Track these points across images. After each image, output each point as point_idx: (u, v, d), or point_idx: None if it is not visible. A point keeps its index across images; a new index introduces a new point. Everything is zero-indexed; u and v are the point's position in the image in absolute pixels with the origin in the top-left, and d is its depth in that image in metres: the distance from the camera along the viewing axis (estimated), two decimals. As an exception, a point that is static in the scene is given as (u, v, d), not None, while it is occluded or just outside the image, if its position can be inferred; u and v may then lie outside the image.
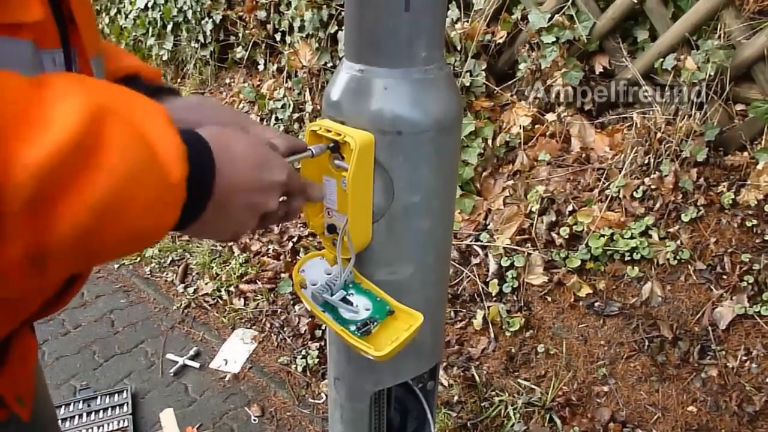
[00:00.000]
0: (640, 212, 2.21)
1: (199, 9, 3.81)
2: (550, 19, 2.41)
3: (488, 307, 2.25)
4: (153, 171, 0.43)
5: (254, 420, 2.17)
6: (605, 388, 2.00)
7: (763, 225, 2.05)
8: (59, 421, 2.14)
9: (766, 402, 1.84)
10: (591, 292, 2.16)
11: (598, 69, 2.45)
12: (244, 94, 3.59)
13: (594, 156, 2.43)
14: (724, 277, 2.04)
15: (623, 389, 1.99)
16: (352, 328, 0.73)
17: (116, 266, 3.13)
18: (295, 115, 3.28)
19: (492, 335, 2.20)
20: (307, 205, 0.77)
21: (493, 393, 2.07)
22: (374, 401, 0.94)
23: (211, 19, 3.77)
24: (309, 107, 3.20)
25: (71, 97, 0.39)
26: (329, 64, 3.12)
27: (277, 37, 3.41)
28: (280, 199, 0.63)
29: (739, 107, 2.20)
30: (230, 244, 2.95)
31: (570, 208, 2.31)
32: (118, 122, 0.41)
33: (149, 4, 4.13)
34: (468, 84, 2.61)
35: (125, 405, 2.22)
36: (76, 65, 0.59)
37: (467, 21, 2.63)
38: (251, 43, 3.61)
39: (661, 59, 2.24)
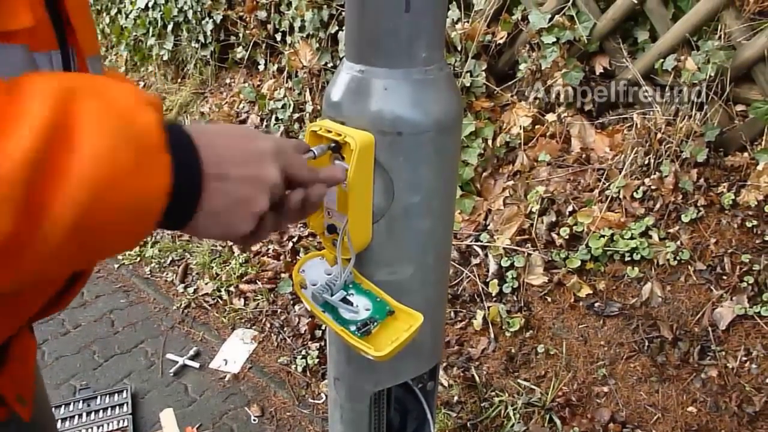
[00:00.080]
0: (640, 213, 2.21)
1: (199, 9, 3.81)
2: (551, 19, 2.41)
3: (488, 307, 2.25)
4: (132, 137, 0.43)
5: (254, 420, 2.17)
6: (605, 389, 2.00)
7: (763, 226, 2.05)
8: (59, 421, 2.14)
9: (765, 403, 1.84)
10: (591, 292, 2.17)
11: (599, 69, 2.45)
12: (245, 94, 3.59)
13: (594, 156, 2.43)
14: (724, 277, 2.04)
15: (623, 390, 1.99)
16: (352, 328, 0.73)
17: (116, 266, 3.14)
18: (296, 116, 3.28)
19: (492, 335, 2.20)
20: None
21: (493, 393, 2.07)
22: (374, 401, 0.94)
23: (211, 19, 3.77)
24: (309, 107, 3.20)
25: (41, 87, 0.41)
26: (330, 65, 3.12)
27: (278, 37, 3.41)
28: (287, 193, 0.61)
29: (740, 108, 2.20)
30: (230, 243, 2.95)
31: (570, 208, 2.31)
32: (88, 99, 0.42)
33: (150, 4, 4.13)
34: (468, 84, 2.61)
35: (125, 405, 2.22)
36: (75, 65, 0.60)
37: (467, 21, 2.63)
38: (252, 43, 3.61)
39: (662, 60, 2.24)
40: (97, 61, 0.66)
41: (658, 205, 2.20)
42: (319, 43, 3.13)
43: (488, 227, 2.43)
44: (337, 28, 3.02)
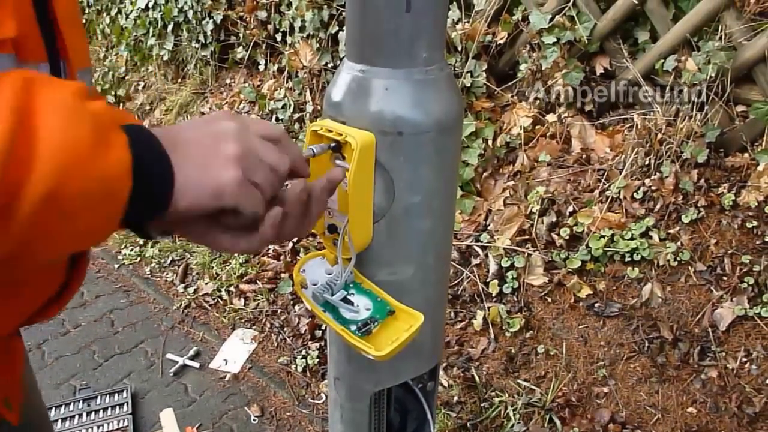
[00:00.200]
0: (641, 213, 2.21)
1: (199, 9, 3.81)
2: (551, 20, 2.41)
3: (488, 307, 2.25)
4: (86, 116, 0.46)
5: (254, 420, 2.17)
6: (605, 389, 2.00)
7: (764, 226, 2.05)
8: (59, 421, 2.14)
9: (765, 403, 1.84)
10: (591, 293, 2.17)
11: (599, 70, 2.45)
12: (245, 95, 3.59)
13: (594, 157, 2.43)
14: (725, 278, 2.04)
15: (623, 390, 1.99)
16: (353, 327, 0.73)
17: (116, 266, 3.14)
18: (296, 116, 3.28)
19: (492, 336, 2.20)
20: None
21: (493, 393, 2.07)
22: (374, 401, 0.94)
23: (211, 20, 3.77)
24: (309, 107, 3.20)
25: (4, 82, 0.44)
26: (330, 65, 3.12)
27: (278, 37, 3.41)
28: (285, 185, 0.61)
29: (740, 108, 2.20)
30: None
31: (570, 209, 2.31)
32: (45, 85, 0.46)
33: (150, 4, 4.13)
34: (469, 85, 2.61)
35: (125, 405, 2.22)
36: (66, 77, 0.60)
37: (468, 22, 2.63)
38: (252, 44, 3.61)
39: (662, 60, 2.24)
40: (88, 74, 0.67)
41: (658, 206, 2.20)
42: (319, 44, 3.13)
43: (488, 227, 2.43)
44: (337, 28, 3.02)
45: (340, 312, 0.75)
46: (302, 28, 3.18)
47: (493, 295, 2.28)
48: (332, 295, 0.77)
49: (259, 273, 2.79)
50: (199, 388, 2.32)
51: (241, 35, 3.68)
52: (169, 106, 4.13)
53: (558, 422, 1.94)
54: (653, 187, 2.22)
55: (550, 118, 2.51)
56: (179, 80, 4.28)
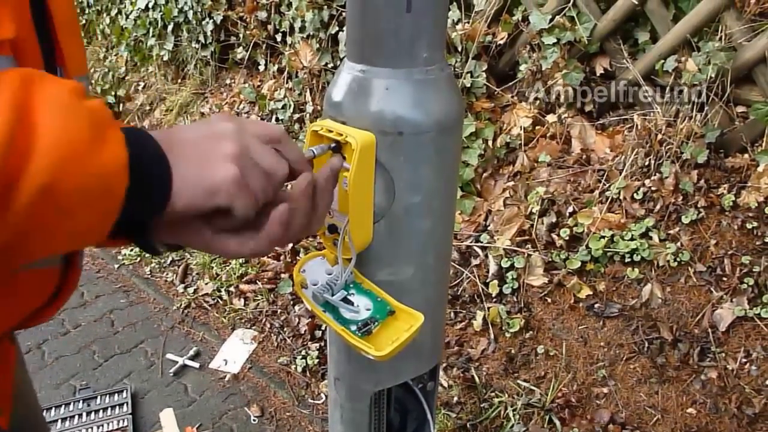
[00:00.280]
0: (641, 214, 2.21)
1: (199, 9, 3.81)
2: (551, 20, 2.41)
3: (488, 308, 2.25)
4: (83, 112, 0.47)
5: (254, 420, 2.17)
6: (605, 390, 2.00)
7: (764, 227, 2.05)
8: (59, 421, 2.14)
9: (765, 404, 1.84)
10: (591, 293, 2.17)
11: (599, 70, 2.45)
12: (245, 95, 3.59)
13: (594, 157, 2.44)
14: (724, 279, 2.04)
15: (623, 391, 1.99)
16: (353, 328, 0.73)
17: (116, 266, 3.14)
18: (296, 116, 3.28)
19: (492, 336, 2.20)
20: None
21: (493, 394, 2.07)
22: (374, 401, 0.94)
23: (211, 20, 3.77)
24: (309, 108, 3.20)
25: (4, 79, 0.44)
26: (330, 65, 3.12)
27: (278, 37, 3.41)
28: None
29: (740, 109, 2.20)
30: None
31: (570, 209, 2.31)
32: (45, 82, 0.46)
33: (150, 5, 4.13)
34: (469, 85, 2.61)
35: (125, 405, 2.22)
36: None
37: (468, 22, 2.63)
38: (252, 44, 3.61)
39: (662, 61, 2.24)
40: (84, 80, 0.67)
41: (658, 207, 2.20)
42: (319, 44, 3.13)
43: (488, 228, 2.43)
44: (337, 28, 3.02)
45: (341, 312, 0.75)
46: (302, 29, 3.18)
47: (493, 295, 2.28)
48: (332, 295, 0.77)
49: (259, 273, 2.79)
50: (199, 388, 2.32)
51: (241, 35, 3.68)
52: (169, 106, 4.13)
53: (558, 423, 1.94)
54: (653, 188, 2.22)
55: (550, 118, 2.51)
56: (179, 80, 4.28)
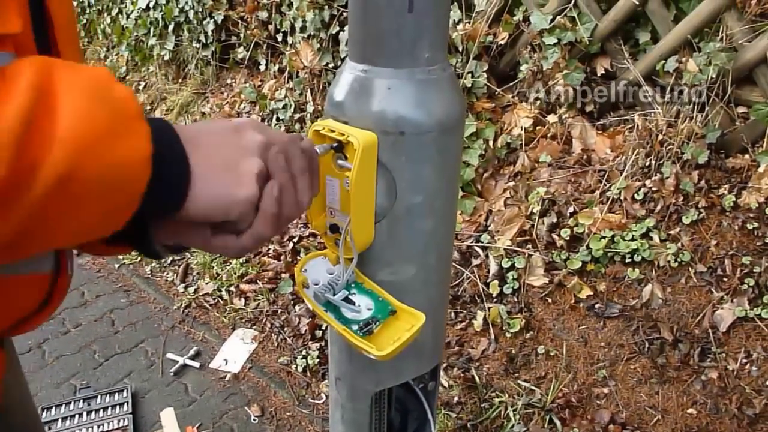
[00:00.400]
0: (641, 214, 2.21)
1: (200, 9, 3.81)
2: (552, 20, 2.41)
3: (489, 308, 2.25)
4: (108, 101, 0.46)
5: (254, 420, 2.17)
6: (605, 390, 2.00)
7: (764, 228, 2.05)
8: (59, 420, 2.14)
9: (766, 405, 1.84)
10: (591, 293, 2.17)
11: (600, 71, 2.45)
12: (246, 95, 3.59)
13: (595, 158, 2.44)
14: (725, 279, 2.04)
15: (623, 391, 1.99)
16: (354, 327, 0.73)
17: (117, 266, 3.14)
18: (297, 116, 3.28)
19: (492, 336, 2.20)
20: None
21: (493, 394, 2.07)
22: (375, 401, 0.94)
23: (212, 20, 3.77)
24: (310, 108, 3.20)
25: (25, 63, 0.44)
26: (331, 65, 3.12)
27: (279, 37, 3.41)
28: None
29: (741, 110, 2.20)
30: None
31: (571, 209, 2.31)
32: (65, 69, 0.45)
33: (151, 4, 4.13)
34: (469, 85, 2.61)
35: (125, 404, 2.22)
36: None
37: (469, 22, 2.63)
38: (253, 44, 3.61)
39: (663, 61, 2.24)
40: None
41: (658, 207, 2.20)
42: (320, 44, 3.13)
43: (489, 228, 2.43)
44: (338, 28, 3.02)
45: (342, 312, 0.76)
46: (303, 29, 3.18)
47: (494, 295, 2.28)
48: (334, 294, 0.77)
49: (260, 273, 2.79)
50: (200, 388, 2.32)
51: (242, 35, 3.68)
52: (170, 106, 4.13)
53: (558, 423, 1.94)
54: (654, 188, 2.22)
55: (551, 118, 2.51)
56: (180, 80, 4.28)
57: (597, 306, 2.14)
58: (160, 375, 2.40)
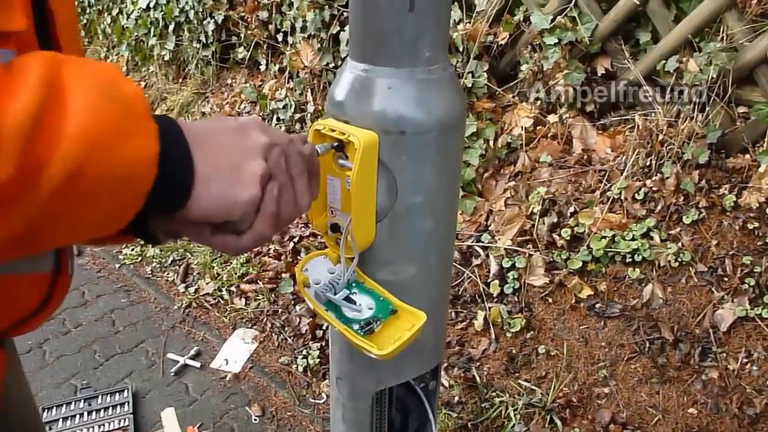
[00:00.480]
0: (642, 214, 2.21)
1: (201, 9, 3.81)
2: (553, 20, 2.41)
3: (489, 308, 2.25)
4: (117, 98, 0.46)
5: (255, 420, 2.17)
6: (606, 390, 2.00)
7: (765, 227, 2.05)
8: (60, 420, 2.14)
9: (766, 404, 1.84)
10: (592, 293, 2.17)
11: (600, 71, 2.45)
12: (246, 95, 3.59)
13: (595, 157, 2.44)
14: (725, 279, 2.04)
15: (624, 391, 1.99)
16: (355, 327, 0.73)
17: (117, 266, 3.14)
18: (297, 116, 3.28)
19: (493, 336, 2.20)
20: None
21: (494, 394, 2.07)
22: (376, 401, 0.94)
23: (212, 20, 3.78)
24: (311, 107, 3.20)
25: (33, 58, 0.44)
26: (331, 65, 3.12)
27: (279, 37, 3.41)
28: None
29: (741, 110, 2.20)
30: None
31: (571, 209, 2.31)
32: (74, 65, 0.45)
33: (151, 4, 4.13)
34: (470, 85, 2.61)
35: (126, 404, 2.22)
36: None
37: (469, 22, 2.63)
38: (253, 44, 3.61)
39: (663, 61, 2.24)
40: None
41: (659, 207, 2.20)
42: (320, 44, 3.13)
43: (489, 228, 2.43)
44: (338, 28, 3.02)
45: (343, 311, 0.76)
46: (303, 29, 3.18)
47: (494, 295, 2.28)
48: (335, 294, 0.77)
49: (260, 273, 2.79)
50: (200, 388, 2.32)
51: (242, 35, 3.68)
52: (170, 106, 4.13)
53: (559, 423, 1.94)
54: (654, 188, 2.22)
55: (552, 118, 2.51)
56: (180, 80, 4.28)
57: (597, 306, 2.14)
58: (160, 375, 2.40)
